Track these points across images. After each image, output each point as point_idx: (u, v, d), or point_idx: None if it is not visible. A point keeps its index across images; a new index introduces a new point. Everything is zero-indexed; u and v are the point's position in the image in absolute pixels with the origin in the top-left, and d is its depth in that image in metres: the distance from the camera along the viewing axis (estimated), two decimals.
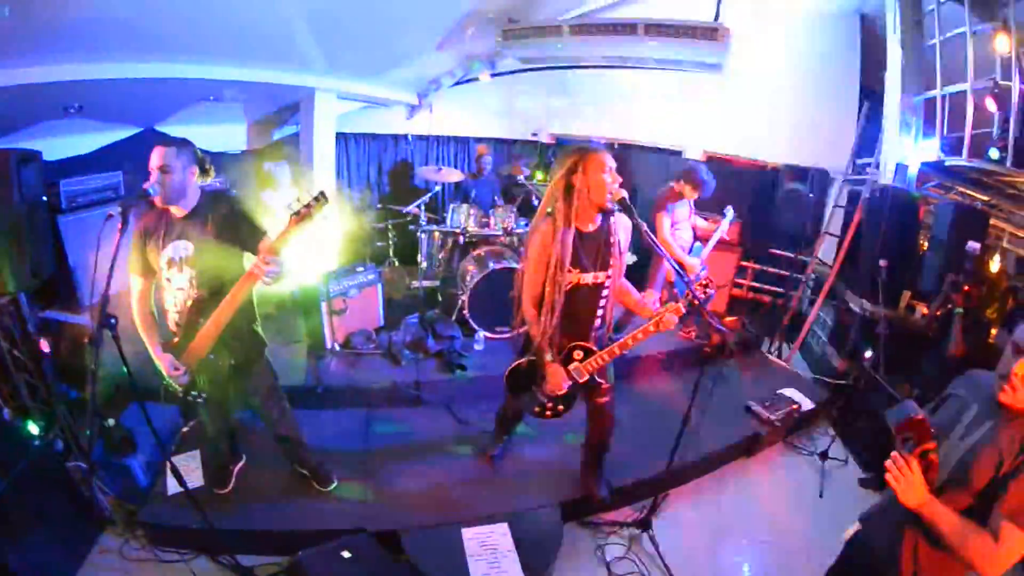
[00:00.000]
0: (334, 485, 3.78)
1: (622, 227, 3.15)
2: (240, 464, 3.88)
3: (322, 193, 2.75)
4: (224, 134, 6.94)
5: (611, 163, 2.97)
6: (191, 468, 3.82)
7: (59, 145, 5.30)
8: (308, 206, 2.73)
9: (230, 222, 3.01)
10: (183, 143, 2.97)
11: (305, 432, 3.74)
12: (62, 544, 3.31)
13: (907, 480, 1.80)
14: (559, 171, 3.02)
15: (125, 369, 2.48)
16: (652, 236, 2.98)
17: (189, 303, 2.99)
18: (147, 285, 3.04)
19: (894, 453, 1.86)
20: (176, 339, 3.03)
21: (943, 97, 4.98)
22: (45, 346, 3.98)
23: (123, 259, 2.54)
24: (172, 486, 3.33)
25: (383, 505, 3.70)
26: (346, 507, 3.66)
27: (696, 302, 2.93)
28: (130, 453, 3.69)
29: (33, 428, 3.66)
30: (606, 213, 3.05)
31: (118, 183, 5.51)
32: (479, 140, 7.85)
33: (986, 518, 1.72)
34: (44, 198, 3.88)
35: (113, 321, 2.36)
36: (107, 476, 3.59)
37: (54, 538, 3.26)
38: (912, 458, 1.81)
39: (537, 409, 3.42)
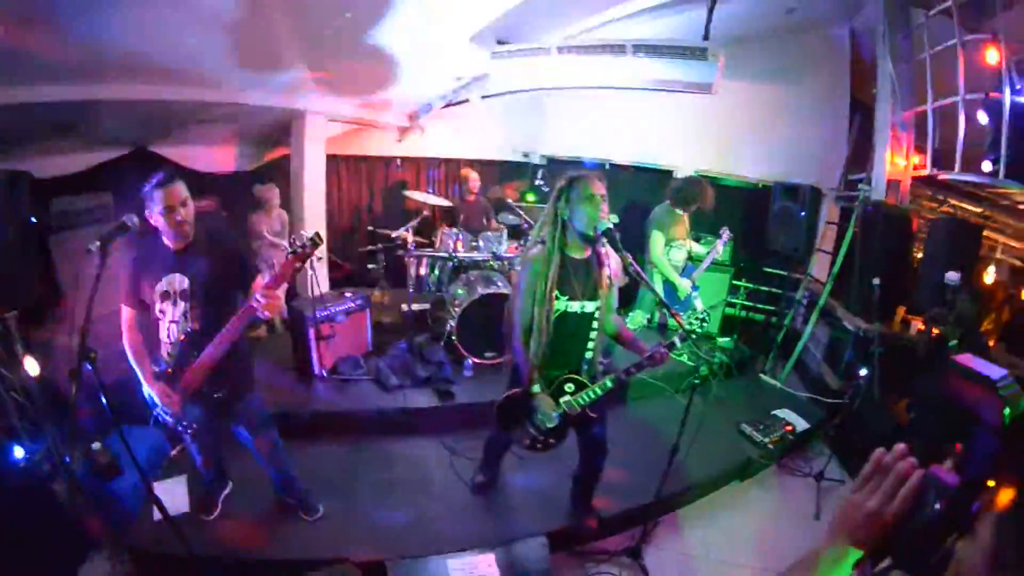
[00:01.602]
0: (319, 514, 3.74)
1: (613, 256, 3.12)
2: (227, 490, 3.84)
3: (317, 234, 2.77)
4: (214, 155, 6.93)
5: (597, 191, 2.95)
6: (178, 493, 3.80)
7: (49, 164, 5.28)
8: (304, 246, 2.75)
9: (226, 260, 3.05)
10: (181, 177, 2.94)
11: (292, 459, 3.70)
12: (47, 567, 3.23)
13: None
14: (551, 198, 3.07)
15: (104, 401, 2.46)
16: (639, 268, 2.95)
17: (183, 336, 2.98)
18: (138, 314, 3.03)
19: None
20: (169, 370, 3.01)
21: (934, 110, 4.99)
22: (33, 366, 3.95)
23: (104, 290, 2.52)
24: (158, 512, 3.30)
25: (368, 534, 3.65)
26: (331, 536, 3.61)
27: (686, 335, 2.91)
28: (116, 476, 3.63)
29: (19, 450, 3.62)
30: (595, 241, 3.03)
31: (108, 203, 5.49)
32: (470, 162, 7.84)
33: None
34: (34, 219, 3.86)
35: (92, 354, 2.35)
36: (93, 499, 3.54)
37: (39, 561, 3.20)
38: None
39: (528, 442, 3.35)
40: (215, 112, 5.87)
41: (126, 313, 3.03)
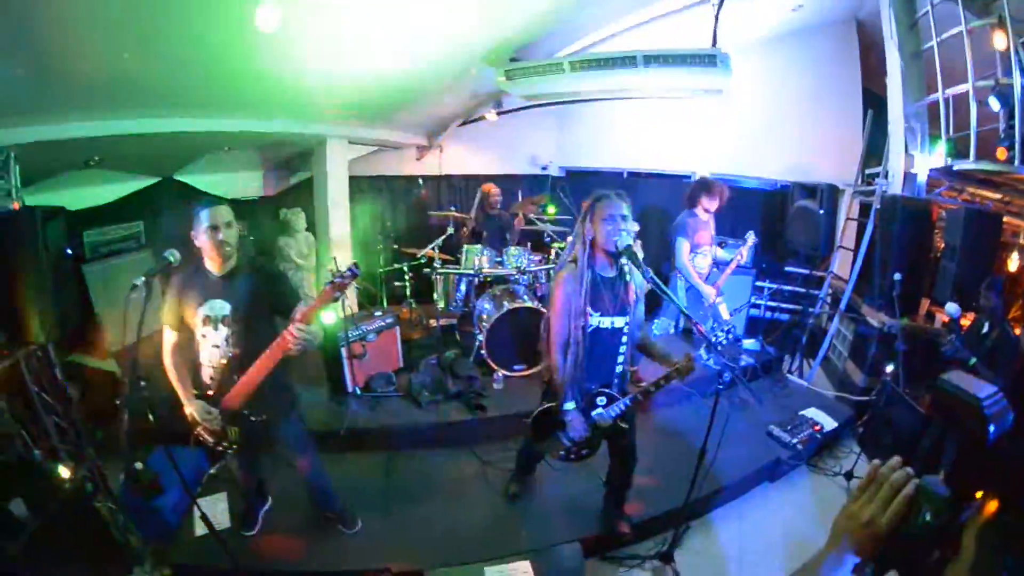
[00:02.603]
0: (359, 527, 3.81)
1: (635, 271, 3.19)
2: (267, 506, 3.93)
3: (356, 265, 2.82)
4: (240, 182, 7.09)
5: (617, 211, 3.03)
6: (218, 510, 3.89)
7: (81, 195, 5.44)
8: (343, 276, 2.80)
9: (267, 286, 3.15)
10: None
11: (329, 474, 3.78)
12: None
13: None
14: (579, 219, 3.18)
15: (152, 416, 2.58)
16: (658, 282, 3.00)
17: (224, 360, 3.08)
18: (181, 337, 3.14)
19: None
20: (211, 392, 3.11)
21: (946, 99, 4.98)
22: (72, 390, 4.09)
23: (148, 322, 2.64)
24: (199, 528, 3.41)
25: (406, 545, 3.72)
26: (370, 547, 3.69)
27: (711, 347, 2.99)
28: (158, 495, 3.75)
29: (63, 470, 3.71)
30: (618, 258, 3.10)
31: (139, 232, 5.65)
32: (489, 178, 7.93)
33: None
34: (69, 251, 4.02)
35: (143, 383, 2.47)
36: (136, 517, 3.64)
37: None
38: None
39: (562, 453, 3.44)
40: (239, 140, 6.03)
41: (168, 335, 3.13)
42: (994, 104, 4.38)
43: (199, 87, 4.71)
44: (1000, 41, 4.29)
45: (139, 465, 3.71)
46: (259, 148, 6.83)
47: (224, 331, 3.05)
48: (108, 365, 4.70)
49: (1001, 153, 4.35)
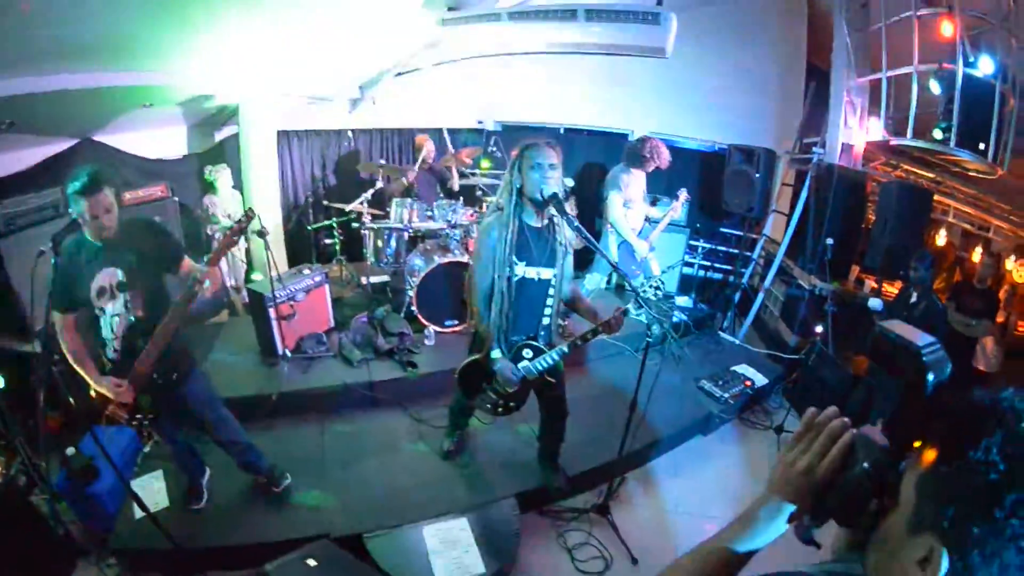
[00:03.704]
0: (288, 481, 3.77)
1: (568, 224, 3.18)
2: (207, 476, 3.82)
3: (250, 209, 2.92)
4: (163, 139, 6.73)
5: (544, 159, 3.02)
6: (155, 488, 3.78)
7: None
8: (239, 222, 2.93)
9: (153, 244, 3.09)
10: (107, 176, 2.90)
11: (262, 441, 3.74)
12: None
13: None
14: (507, 168, 3.16)
15: (71, 397, 2.46)
16: (586, 233, 3.02)
17: (127, 327, 3.00)
18: (74, 319, 3.00)
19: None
20: (115, 365, 3.03)
21: (888, 78, 5.14)
22: None
23: None
24: (139, 510, 3.31)
25: (344, 509, 3.71)
26: (308, 514, 3.66)
27: (641, 302, 3.05)
28: (94, 480, 3.60)
29: None
30: (547, 208, 3.09)
31: (59, 200, 5.32)
32: (423, 131, 7.73)
33: None
34: None
35: (57, 357, 2.35)
36: (74, 505, 3.54)
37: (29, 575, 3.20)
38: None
39: (489, 406, 3.45)
40: (159, 95, 5.70)
41: (63, 319, 2.97)
42: (934, 87, 4.55)
43: (115, 38, 4.40)
44: (947, 29, 4.44)
45: (71, 450, 3.56)
46: (181, 103, 6.47)
47: (122, 297, 2.97)
48: (32, 348, 4.46)
49: (937, 134, 4.54)
